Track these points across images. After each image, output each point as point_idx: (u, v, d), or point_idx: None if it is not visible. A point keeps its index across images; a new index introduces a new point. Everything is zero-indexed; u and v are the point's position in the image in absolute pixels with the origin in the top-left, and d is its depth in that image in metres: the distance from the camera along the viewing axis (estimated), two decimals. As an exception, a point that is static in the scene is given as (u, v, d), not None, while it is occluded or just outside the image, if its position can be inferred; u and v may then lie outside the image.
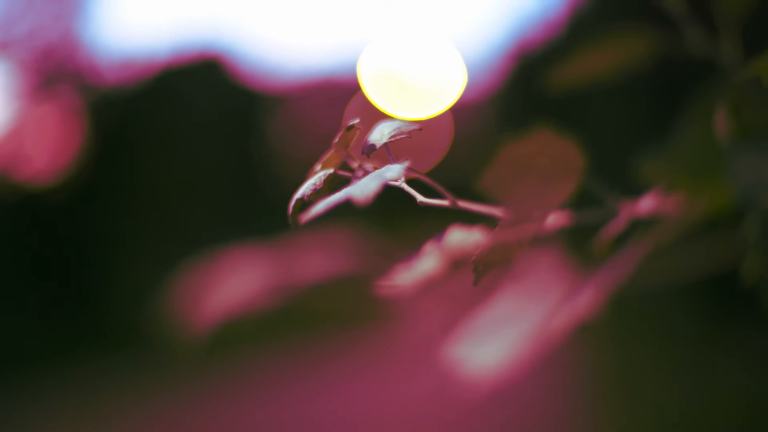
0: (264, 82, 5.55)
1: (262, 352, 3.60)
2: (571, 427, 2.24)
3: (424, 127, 0.45)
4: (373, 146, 0.44)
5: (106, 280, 4.42)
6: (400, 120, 0.47)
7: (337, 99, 5.69)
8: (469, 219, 0.45)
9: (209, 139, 5.06)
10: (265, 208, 4.86)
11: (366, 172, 0.44)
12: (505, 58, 4.71)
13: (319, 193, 0.43)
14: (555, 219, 0.43)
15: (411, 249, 0.45)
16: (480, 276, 0.41)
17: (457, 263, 0.44)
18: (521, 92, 4.24)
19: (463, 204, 0.43)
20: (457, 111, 5.60)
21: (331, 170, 0.44)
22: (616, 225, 0.43)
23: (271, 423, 2.67)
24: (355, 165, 0.45)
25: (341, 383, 3.15)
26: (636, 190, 0.45)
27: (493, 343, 0.42)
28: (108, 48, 4.89)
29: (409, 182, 0.43)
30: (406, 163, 0.42)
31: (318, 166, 0.45)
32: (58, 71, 4.67)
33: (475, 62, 5.25)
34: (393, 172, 0.42)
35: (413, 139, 0.45)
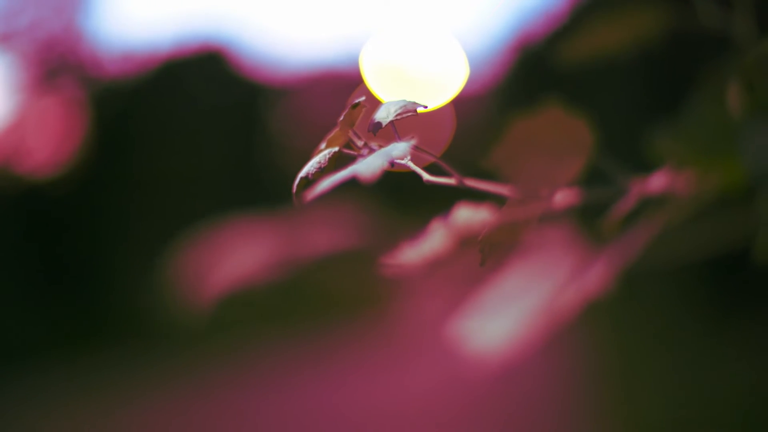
0: (266, 74, 5.54)
1: (266, 338, 3.59)
2: (572, 414, 2.24)
3: (426, 119, 0.45)
4: (379, 124, 0.44)
5: (109, 272, 4.42)
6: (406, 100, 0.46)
7: (339, 91, 5.67)
8: (477, 198, 0.44)
9: (211, 132, 5.05)
10: (268, 200, 4.84)
11: (371, 150, 0.44)
12: (507, 50, 4.70)
13: (323, 171, 0.42)
14: (564, 197, 0.43)
15: (417, 227, 0.44)
16: (486, 255, 0.40)
17: (464, 242, 0.43)
18: (523, 84, 4.23)
19: (470, 182, 0.42)
20: (459, 103, 5.58)
21: (336, 148, 0.43)
22: (627, 203, 0.42)
23: (275, 411, 2.67)
24: (360, 143, 0.45)
25: (345, 366, 3.15)
26: (647, 168, 0.44)
27: (501, 319, 0.41)
28: (110, 40, 4.89)
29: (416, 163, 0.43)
30: (413, 141, 0.41)
31: (323, 145, 0.45)
32: (60, 63, 4.67)
33: (476, 54, 5.24)
34: (399, 150, 0.41)
35: (415, 130, 0.44)
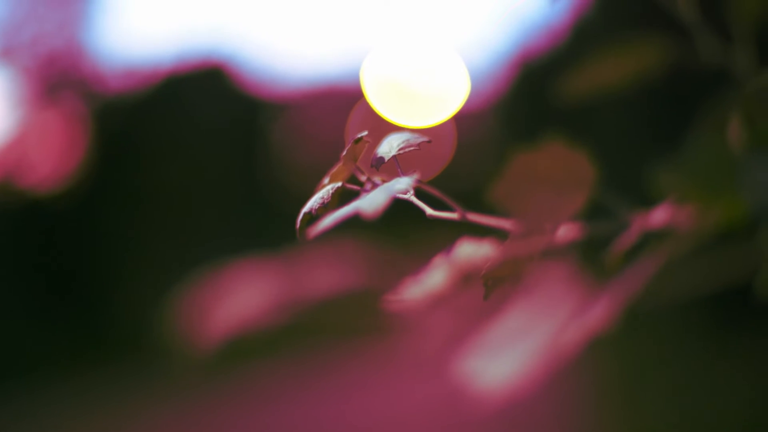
0: (267, 90, 5.55)
1: (268, 364, 3.58)
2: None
3: (428, 135, 0.45)
4: (382, 159, 0.44)
5: (110, 288, 4.42)
6: (408, 132, 0.47)
7: (340, 107, 5.68)
8: (479, 231, 0.44)
9: (213, 147, 5.06)
10: (269, 216, 4.86)
11: (375, 185, 0.44)
12: (509, 66, 4.70)
13: (327, 207, 0.42)
14: (566, 231, 0.43)
15: (420, 262, 0.44)
16: (490, 290, 0.40)
17: (466, 277, 0.43)
18: (525, 101, 4.24)
19: (473, 216, 0.42)
20: (461, 119, 5.59)
21: (340, 184, 0.44)
22: (629, 237, 0.43)
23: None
24: (363, 178, 0.45)
25: (347, 397, 3.13)
26: (648, 202, 0.45)
27: (504, 357, 0.41)
28: (112, 55, 4.90)
29: (417, 193, 0.43)
30: (415, 176, 0.42)
31: (326, 180, 0.45)
32: (63, 78, 4.68)
33: (478, 70, 5.24)
34: (402, 185, 0.41)
35: (416, 149, 0.44)
